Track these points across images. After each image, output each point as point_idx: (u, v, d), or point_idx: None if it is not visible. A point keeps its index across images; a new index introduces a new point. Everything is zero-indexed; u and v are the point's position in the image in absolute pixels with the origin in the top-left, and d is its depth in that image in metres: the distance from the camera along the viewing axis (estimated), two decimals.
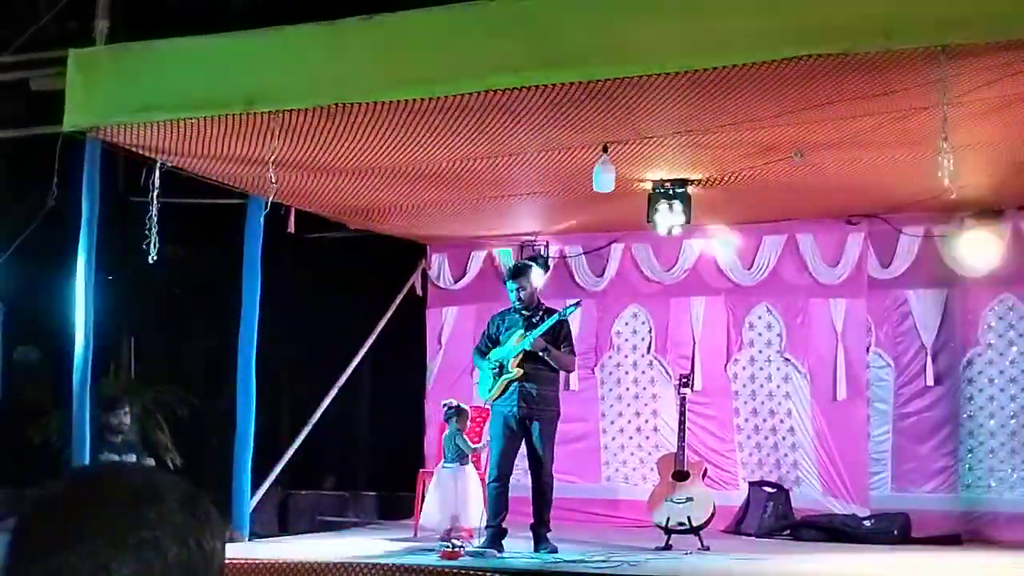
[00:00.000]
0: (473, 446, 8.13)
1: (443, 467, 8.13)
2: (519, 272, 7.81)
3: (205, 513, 1.22)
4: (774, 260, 9.60)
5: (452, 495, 7.92)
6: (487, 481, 7.68)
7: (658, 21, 5.85)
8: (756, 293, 9.68)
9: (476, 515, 7.79)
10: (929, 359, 9.14)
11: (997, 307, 9.05)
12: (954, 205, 8.43)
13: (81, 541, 1.14)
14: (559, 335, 7.67)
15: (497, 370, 7.64)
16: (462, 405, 8.23)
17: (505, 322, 7.81)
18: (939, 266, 9.10)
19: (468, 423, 8.25)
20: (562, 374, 8.00)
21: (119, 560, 1.13)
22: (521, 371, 7.53)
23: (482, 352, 7.86)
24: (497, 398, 7.63)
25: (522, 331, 7.62)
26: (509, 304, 7.85)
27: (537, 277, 8.59)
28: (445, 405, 8.29)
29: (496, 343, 7.77)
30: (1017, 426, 8.93)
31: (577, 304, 8.20)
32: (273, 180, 6.91)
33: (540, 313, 7.72)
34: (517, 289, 7.71)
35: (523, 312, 7.71)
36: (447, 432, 8.16)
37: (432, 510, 8.03)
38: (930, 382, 9.15)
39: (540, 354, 7.51)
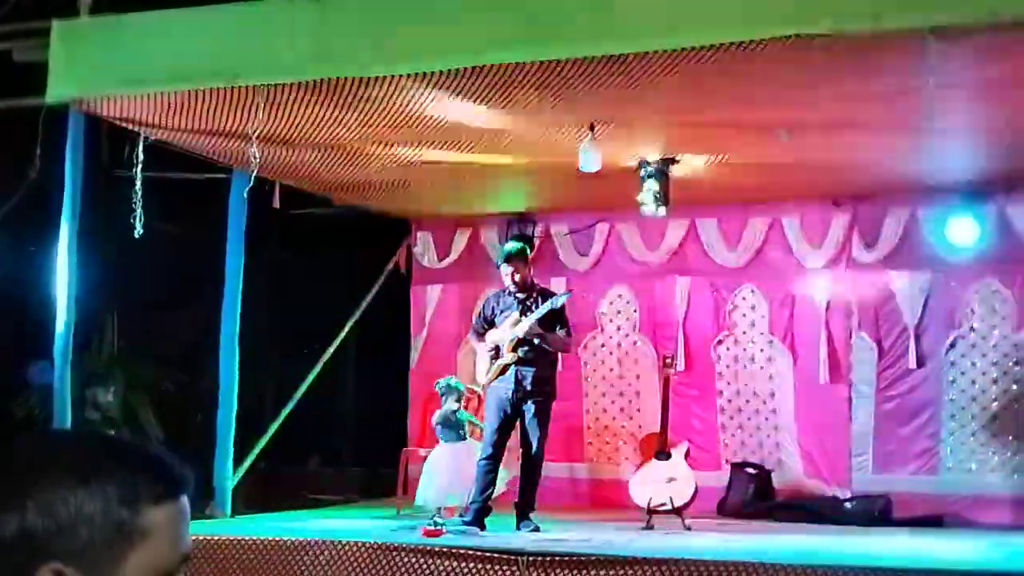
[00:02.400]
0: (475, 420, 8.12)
1: (442, 444, 8.10)
2: (514, 255, 7.81)
3: (136, 484, 1.23)
4: (759, 241, 9.61)
5: (447, 471, 7.92)
6: (478, 458, 7.70)
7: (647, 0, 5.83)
8: (741, 274, 9.69)
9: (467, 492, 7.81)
10: (912, 342, 9.15)
11: (981, 290, 9.07)
12: (939, 188, 8.46)
13: None
14: (555, 319, 7.68)
15: (493, 352, 7.67)
16: (453, 382, 8.17)
17: (500, 304, 7.83)
18: (923, 249, 9.12)
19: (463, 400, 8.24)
20: (560, 356, 8.01)
21: (13, 512, 1.17)
22: (516, 355, 7.55)
23: (479, 334, 7.88)
24: (493, 380, 7.66)
25: (517, 314, 7.63)
26: (497, 284, 7.86)
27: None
28: (438, 384, 8.23)
29: (492, 324, 7.79)
30: (999, 409, 8.97)
31: (569, 292, 8.23)
32: (256, 155, 6.87)
33: (535, 295, 7.73)
34: (512, 272, 7.72)
35: (518, 295, 7.72)
36: (442, 409, 8.11)
37: (425, 487, 8.02)
38: (913, 365, 9.17)
39: (535, 341, 7.53)
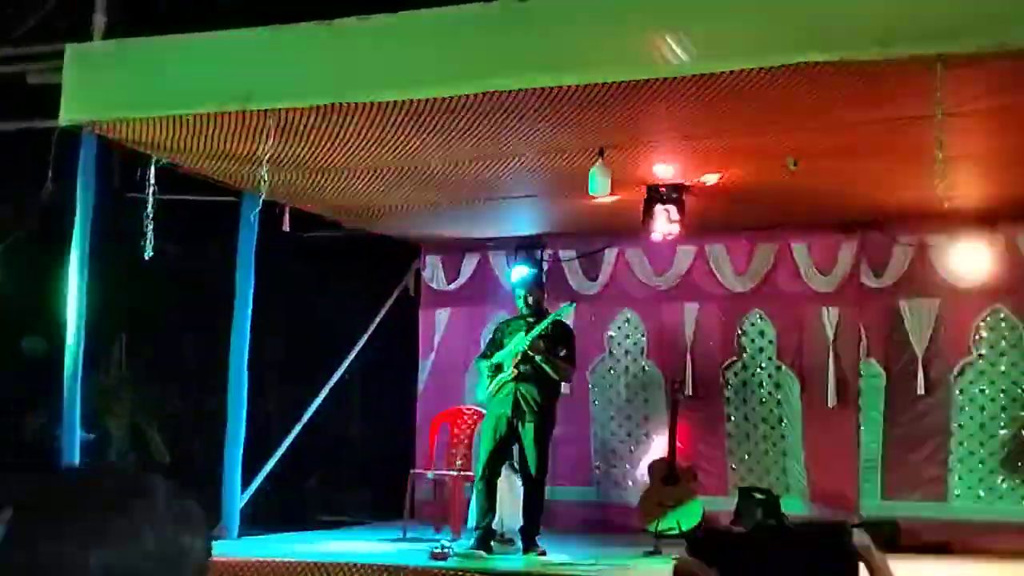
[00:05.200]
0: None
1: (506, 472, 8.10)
2: (529, 280, 7.86)
3: (186, 511, 1.29)
4: (768, 267, 9.61)
5: (507, 499, 7.94)
6: (474, 481, 7.69)
7: (656, 26, 5.86)
8: (749, 300, 9.69)
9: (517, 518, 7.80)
10: (921, 368, 9.14)
11: (989, 318, 9.06)
12: (948, 215, 8.46)
13: (66, 531, 1.21)
14: (559, 341, 7.67)
15: (495, 370, 7.67)
16: None
17: (510, 327, 7.86)
18: (932, 276, 9.12)
19: None
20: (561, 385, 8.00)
21: (98, 548, 1.21)
22: (517, 372, 7.54)
23: (487, 357, 7.88)
24: (492, 397, 7.64)
25: (523, 334, 7.64)
26: (506, 308, 7.89)
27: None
28: None
29: (501, 348, 7.79)
30: (1007, 436, 8.95)
31: (572, 304, 8.24)
32: (266, 179, 6.89)
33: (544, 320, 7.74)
34: (525, 296, 7.75)
35: (528, 319, 7.74)
36: None
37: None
38: (921, 391, 9.15)
39: (537, 358, 7.52)
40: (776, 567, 0.74)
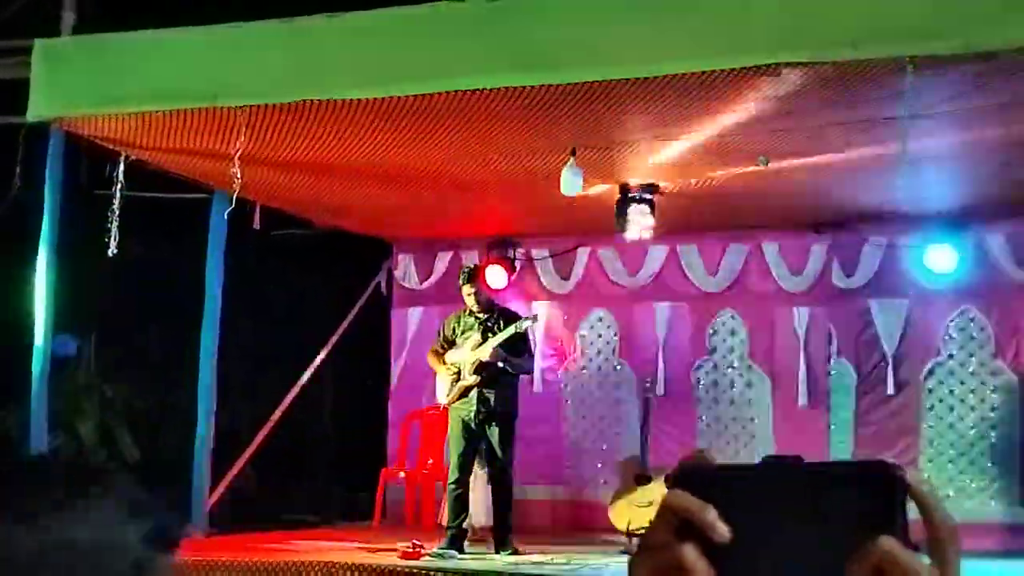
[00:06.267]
0: None
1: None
2: (474, 275, 7.85)
3: (138, 510, 1.25)
4: (739, 267, 9.64)
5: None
6: (447, 483, 7.69)
7: (628, 26, 5.86)
8: (721, 300, 9.72)
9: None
10: (890, 368, 9.19)
11: (958, 318, 9.12)
12: (918, 216, 8.52)
13: None
14: (516, 342, 7.70)
15: (455, 376, 7.67)
16: None
17: (460, 324, 7.84)
18: (902, 276, 9.17)
19: None
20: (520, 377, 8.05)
21: (25, 533, 1.18)
22: (478, 378, 7.56)
23: (437, 354, 7.89)
24: (454, 402, 7.65)
25: (478, 336, 7.63)
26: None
27: (498, 279, 8.67)
28: None
29: (451, 344, 7.80)
30: (976, 436, 9.01)
31: (533, 319, 8.26)
32: (238, 176, 6.86)
33: (496, 316, 7.74)
34: (475, 292, 7.75)
35: (479, 316, 7.73)
36: None
37: (480, 510, 8.07)
38: (891, 391, 9.21)
39: (499, 364, 7.54)
40: (797, 505, 0.66)
